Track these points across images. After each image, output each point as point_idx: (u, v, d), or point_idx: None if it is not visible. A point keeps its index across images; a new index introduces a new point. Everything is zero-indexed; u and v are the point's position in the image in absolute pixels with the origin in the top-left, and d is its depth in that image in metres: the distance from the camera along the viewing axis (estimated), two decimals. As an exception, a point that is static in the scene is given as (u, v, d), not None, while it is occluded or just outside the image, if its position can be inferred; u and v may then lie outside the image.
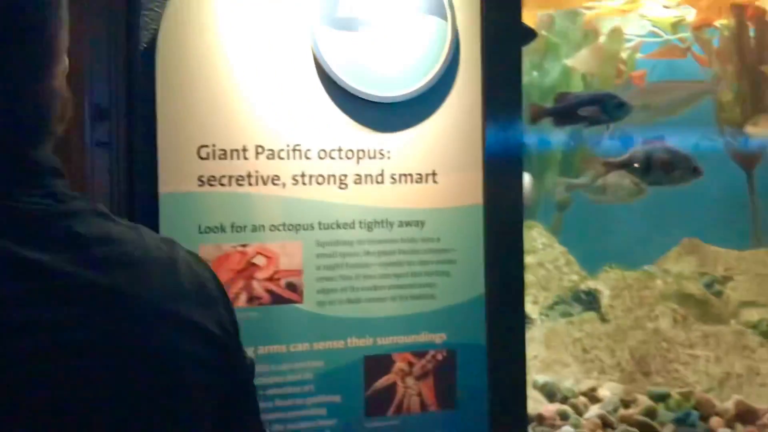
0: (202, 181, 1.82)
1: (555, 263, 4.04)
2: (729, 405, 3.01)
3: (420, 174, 1.98)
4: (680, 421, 2.87)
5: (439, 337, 2.00)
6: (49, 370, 0.92)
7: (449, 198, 2.01)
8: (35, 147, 1.00)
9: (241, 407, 1.14)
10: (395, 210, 1.96)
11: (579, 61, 4.10)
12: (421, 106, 1.98)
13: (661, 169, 3.15)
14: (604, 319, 3.50)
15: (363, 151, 1.94)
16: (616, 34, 4.11)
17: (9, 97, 0.97)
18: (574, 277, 3.98)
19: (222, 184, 1.84)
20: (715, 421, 2.95)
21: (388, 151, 1.96)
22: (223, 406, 1.09)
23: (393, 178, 1.96)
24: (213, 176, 1.83)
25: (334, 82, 1.91)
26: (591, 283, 3.69)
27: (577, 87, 4.16)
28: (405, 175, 1.97)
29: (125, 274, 1.00)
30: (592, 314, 3.51)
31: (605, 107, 2.90)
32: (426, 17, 1.97)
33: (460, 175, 2.02)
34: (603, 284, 3.66)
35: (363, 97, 1.93)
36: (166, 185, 1.80)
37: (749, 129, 4.28)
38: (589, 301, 3.61)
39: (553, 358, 3.21)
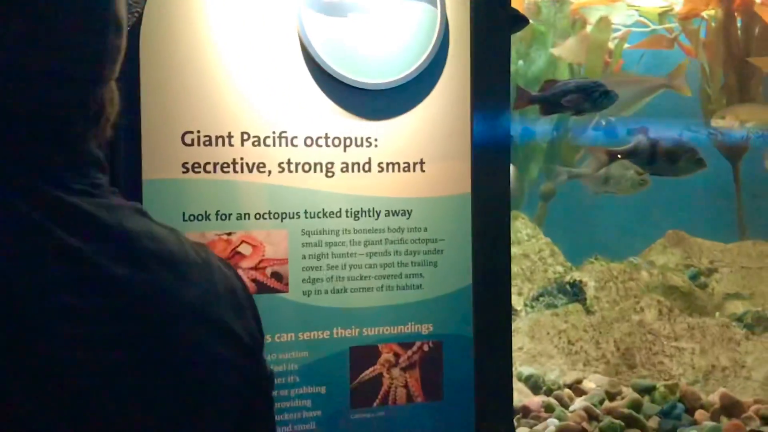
0: (186, 167, 1.81)
1: (540, 254, 4.05)
2: (714, 398, 3.02)
3: (407, 162, 1.97)
4: (666, 414, 2.88)
5: (425, 328, 1.99)
6: (83, 359, 0.93)
7: (437, 187, 2.00)
8: (85, 140, 1.02)
9: (259, 416, 1.15)
10: (382, 199, 1.95)
11: (566, 50, 4.09)
12: (409, 94, 1.97)
13: (665, 159, 3.15)
14: (589, 311, 3.51)
15: (350, 138, 1.93)
16: (604, 23, 4.11)
17: (76, 97, 0.99)
18: (559, 269, 3.99)
19: (207, 171, 1.82)
20: (700, 413, 2.96)
21: (376, 139, 1.95)
22: (243, 414, 1.10)
23: (380, 167, 1.95)
24: (197, 163, 1.81)
25: (321, 68, 1.89)
26: (576, 275, 3.70)
27: (563, 77, 4.15)
28: (392, 163, 1.96)
29: (166, 272, 1.01)
30: (577, 306, 3.51)
31: (591, 96, 2.90)
32: (415, 3, 1.96)
33: (448, 163, 2.01)
34: (588, 276, 3.67)
35: (350, 83, 1.91)
36: (149, 172, 1.78)
37: (714, 122, 4.29)
38: (575, 292, 3.62)
39: (538, 350, 3.21)
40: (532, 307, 3.66)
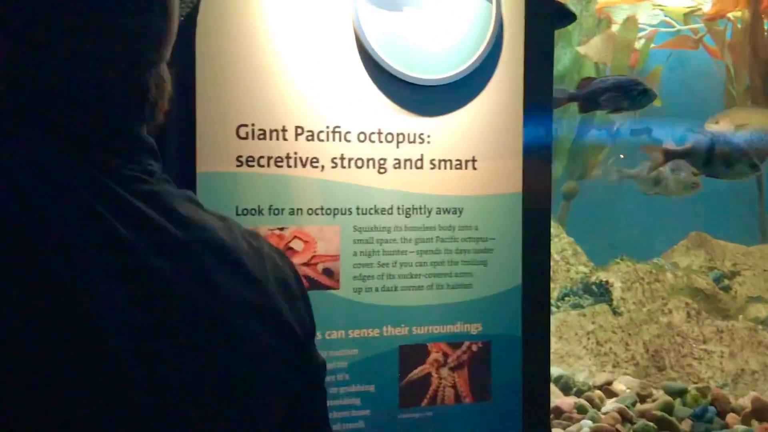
0: (240, 161, 1.79)
1: (562, 254, 4.03)
2: (745, 401, 3.01)
3: (459, 160, 1.95)
4: (698, 417, 2.87)
5: (474, 328, 1.97)
6: (131, 347, 0.92)
7: (488, 185, 1.98)
8: (139, 126, 1.03)
9: (310, 406, 1.14)
10: (434, 196, 1.93)
11: (592, 48, 4.07)
12: (462, 90, 1.95)
13: (722, 162, 3.13)
14: (616, 312, 3.49)
15: (403, 134, 1.91)
16: (630, 23, 4.09)
17: (119, 79, 0.99)
18: (582, 268, 3.97)
19: (260, 165, 1.80)
20: (731, 417, 2.95)
21: (428, 136, 1.93)
22: (293, 404, 1.09)
23: (432, 164, 1.93)
24: (251, 156, 1.79)
25: (376, 63, 1.87)
26: (602, 275, 3.68)
27: (589, 75, 4.12)
28: (444, 160, 1.94)
29: (215, 261, 1.01)
30: (604, 306, 3.49)
31: (629, 94, 2.89)
32: (470, -2, 1.93)
33: (500, 162, 1.99)
34: (614, 276, 3.65)
35: (404, 79, 1.89)
36: (203, 164, 1.76)
37: (708, 126, 4.25)
38: (601, 293, 3.60)
39: (566, 350, 3.19)
40: (558, 307, 3.65)
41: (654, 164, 3.36)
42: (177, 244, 0.99)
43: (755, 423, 2.94)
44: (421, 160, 1.92)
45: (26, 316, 0.88)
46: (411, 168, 1.91)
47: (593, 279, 3.64)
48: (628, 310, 3.47)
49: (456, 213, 1.95)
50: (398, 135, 1.91)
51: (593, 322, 3.36)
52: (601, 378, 3.06)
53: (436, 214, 1.94)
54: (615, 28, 4.20)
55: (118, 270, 0.94)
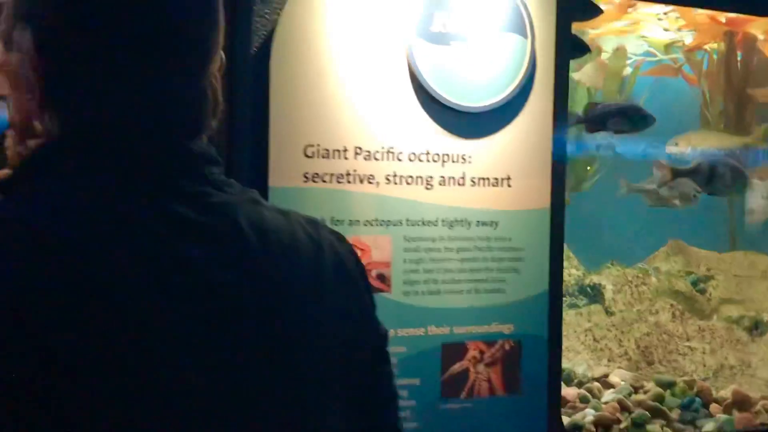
0: (306, 177, 1.80)
1: (556, 258, 4.05)
2: (726, 393, 3.03)
3: (496, 178, 1.97)
4: (685, 407, 2.89)
5: (507, 328, 1.99)
6: (201, 364, 0.90)
7: (521, 201, 2.00)
8: (191, 138, 0.97)
9: (380, 378, 1.08)
10: (473, 210, 1.95)
11: (585, 75, 4.09)
12: (500, 116, 1.97)
13: (721, 181, 3.17)
14: (608, 312, 3.51)
15: (447, 155, 1.93)
16: (620, 52, 4.12)
17: (168, 95, 0.95)
18: (574, 271, 3.98)
19: (324, 181, 1.81)
20: (714, 407, 2.97)
21: (470, 156, 1.95)
22: (365, 378, 1.04)
23: (473, 181, 1.95)
24: (317, 173, 1.81)
25: (426, 91, 1.89)
26: (595, 278, 3.70)
27: (582, 99, 4.15)
28: (483, 178, 1.96)
29: (275, 262, 0.97)
30: (598, 307, 3.52)
31: (631, 119, 2.92)
32: (509, 34, 1.95)
33: (531, 180, 2.01)
34: (606, 279, 3.67)
35: (450, 105, 1.91)
36: (274, 180, 1.77)
37: (668, 149, 4.27)
38: (594, 294, 3.62)
39: (566, 345, 3.21)
40: (555, 306, 3.66)
41: (662, 180, 3.38)
42: (244, 255, 0.95)
43: (735, 413, 2.97)
44: (463, 178, 1.94)
45: (96, 345, 0.85)
46: (454, 185, 1.93)
47: (587, 282, 3.67)
48: (619, 310, 3.50)
49: (492, 225, 1.97)
50: (443, 155, 1.92)
51: (589, 321, 3.39)
52: (598, 371, 3.09)
53: (475, 226, 1.95)
54: (604, 56, 4.23)
55: (185, 289, 0.90)
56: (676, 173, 3.25)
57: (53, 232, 0.88)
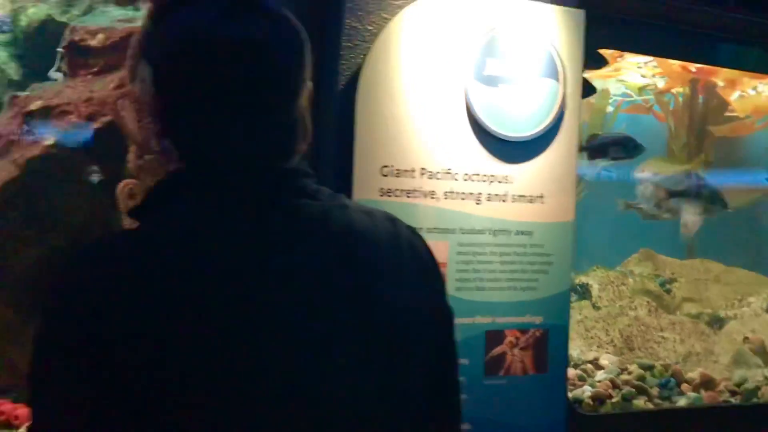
0: (382, 192, 1.81)
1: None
2: (695, 375, 3.04)
3: (532, 195, 1.98)
4: (663, 386, 2.90)
5: (537, 319, 1.99)
6: (308, 361, 0.88)
7: (551, 215, 2.00)
8: (287, 160, 0.95)
9: (450, 353, 1.07)
10: (513, 222, 1.96)
11: (575, 111, 4.14)
12: (536, 145, 1.97)
13: (707, 199, 3.18)
14: (595, 307, 3.53)
15: (493, 176, 1.93)
16: (605, 93, 4.15)
17: (265, 125, 0.93)
18: (563, 272, 4.00)
19: (396, 196, 1.82)
20: (685, 386, 2.98)
21: (512, 177, 1.95)
22: (439, 354, 1.03)
23: (513, 198, 1.96)
24: (390, 189, 1.81)
25: (478, 123, 1.90)
26: (583, 278, 3.72)
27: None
28: (521, 196, 1.97)
29: (362, 262, 0.94)
30: (586, 302, 3.53)
31: (626, 147, 2.94)
32: (545, 79, 1.97)
33: (560, 197, 2.01)
34: (593, 280, 3.69)
35: (497, 135, 1.92)
36: (357, 193, 1.77)
37: (636, 173, 4.27)
38: (583, 292, 3.63)
39: (562, 333, 3.23)
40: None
41: (657, 199, 3.39)
42: (331, 256, 0.92)
43: (703, 392, 2.97)
44: (506, 195, 1.95)
45: (217, 345, 0.83)
46: (498, 201, 1.94)
47: (577, 281, 3.67)
48: (604, 305, 3.52)
49: (528, 235, 1.97)
50: (490, 176, 1.93)
51: (580, 314, 3.40)
52: (590, 355, 3.09)
53: (515, 235, 1.96)
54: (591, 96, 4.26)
55: (290, 292, 0.87)
56: (671, 194, 3.26)
57: (175, 253, 0.86)
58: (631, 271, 4.03)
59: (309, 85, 0.98)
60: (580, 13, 2.01)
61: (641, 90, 4.47)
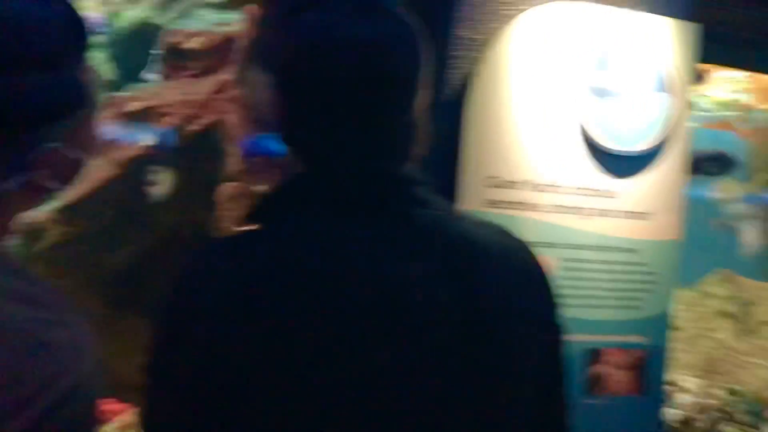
0: (487, 203, 1.77)
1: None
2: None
3: (637, 212, 1.92)
4: (752, 413, 2.80)
5: (639, 339, 1.93)
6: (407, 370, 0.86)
7: (656, 232, 1.94)
8: (400, 164, 0.94)
9: (555, 374, 1.03)
10: (618, 239, 1.90)
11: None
12: (644, 160, 1.91)
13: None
14: (677, 328, 3.42)
15: (599, 190, 1.88)
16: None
17: (380, 130, 0.92)
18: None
19: (501, 208, 1.78)
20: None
21: (618, 192, 1.90)
22: (542, 378, 0.99)
23: (619, 214, 1.90)
24: (495, 200, 1.78)
25: (587, 136, 1.84)
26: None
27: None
28: (627, 212, 1.91)
29: (472, 272, 0.92)
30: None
31: (720, 163, 2.86)
32: (658, 93, 1.90)
33: (666, 215, 1.95)
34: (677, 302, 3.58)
35: (605, 149, 1.86)
36: (463, 204, 1.74)
37: (711, 193, 4.13)
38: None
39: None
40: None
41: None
42: (448, 265, 0.90)
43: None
44: (612, 210, 1.89)
45: (327, 350, 0.83)
46: (604, 216, 1.89)
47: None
48: (685, 327, 3.41)
49: (633, 252, 1.91)
50: (596, 190, 1.88)
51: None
52: (674, 377, 3.00)
53: (619, 252, 1.90)
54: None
55: (401, 304, 0.86)
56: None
57: (294, 258, 0.86)
58: (710, 292, 3.89)
59: (426, 90, 0.97)
60: (695, 27, 1.94)
61: (724, 105, 4.35)
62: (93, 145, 0.99)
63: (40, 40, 0.87)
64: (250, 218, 0.92)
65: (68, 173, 0.96)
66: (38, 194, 0.97)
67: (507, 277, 0.95)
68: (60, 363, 0.83)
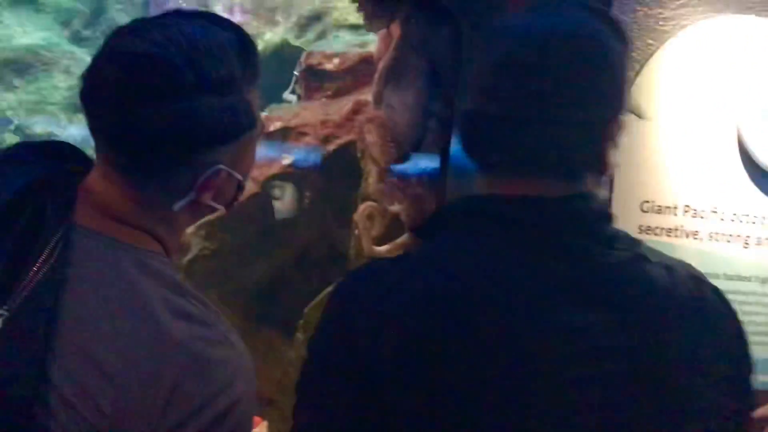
0: (641, 229, 1.68)
1: None
2: None
3: (807, 241, 1.76)
4: None
5: (806, 381, 1.76)
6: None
7: (830, 266, 1.77)
8: (587, 185, 0.90)
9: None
10: (783, 270, 1.75)
11: None
12: (813, 185, 1.76)
13: None
14: None
15: (765, 217, 1.74)
16: None
17: (548, 145, 0.87)
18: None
19: (655, 234, 1.68)
20: None
21: (785, 220, 1.75)
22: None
23: (785, 243, 1.75)
24: (650, 226, 1.68)
25: (751, 160, 1.71)
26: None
27: None
28: (794, 241, 1.76)
29: (657, 323, 0.86)
30: None
31: None
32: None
33: (839, 247, 1.78)
34: None
35: (772, 173, 1.73)
36: (615, 230, 1.66)
37: None
38: None
39: None
40: None
41: None
42: (627, 318, 0.85)
43: None
44: (777, 239, 1.75)
45: (483, 393, 0.79)
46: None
47: None
48: None
49: (800, 285, 1.76)
50: (762, 218, 1.74)
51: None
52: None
53: (784, 285, 1.75)
54: None
55: (568, 353, 0.81)
56: None
57: (447, 286, 0.82)
58: None
59: (622, 116, 0.93)
60: None
61: None
62: (251, 167, 1.01)
63: (217, 66, 0.89)
64: (418, 234, 0.93)
65: (230, 194, 0.99)
66: (201, 214, 0.99)
67: (693, 331, 0.90)
68: (220, 382, 0.84)
